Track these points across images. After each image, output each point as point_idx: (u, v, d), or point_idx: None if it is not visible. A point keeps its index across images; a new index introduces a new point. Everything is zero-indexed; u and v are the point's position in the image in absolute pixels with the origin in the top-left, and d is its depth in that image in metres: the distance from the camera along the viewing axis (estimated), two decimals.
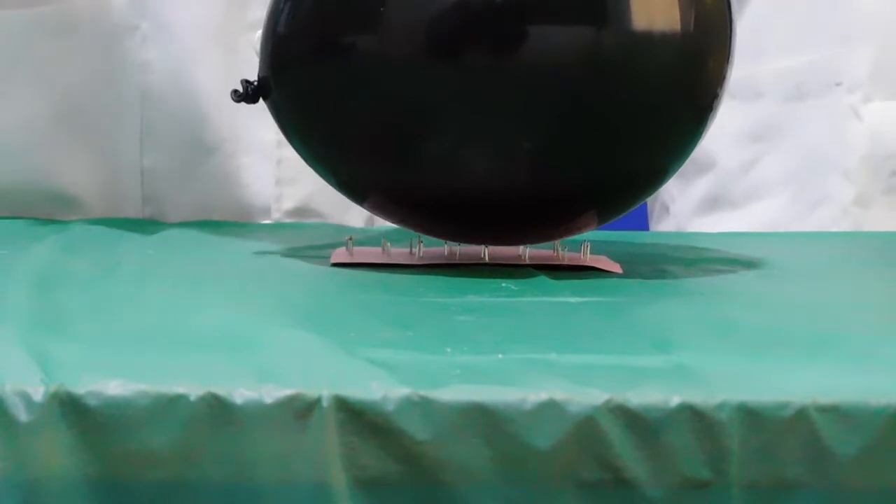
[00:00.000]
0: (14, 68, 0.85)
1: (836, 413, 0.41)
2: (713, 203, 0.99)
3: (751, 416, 0.41)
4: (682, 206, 1.01)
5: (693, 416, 0.41)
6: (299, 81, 0.64)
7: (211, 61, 0.65)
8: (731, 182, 0.98)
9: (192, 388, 0.40)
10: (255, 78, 0.64)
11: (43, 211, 0.84)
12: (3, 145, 0.85)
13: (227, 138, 0.87)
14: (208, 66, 0.64)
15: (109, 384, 0.40)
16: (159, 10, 0.85)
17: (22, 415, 0.40)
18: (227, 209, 0.88)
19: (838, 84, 0.94)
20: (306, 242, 0.75)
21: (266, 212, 0.89)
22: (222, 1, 0.67)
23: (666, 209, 1.03)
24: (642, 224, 1.04)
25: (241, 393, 0.40)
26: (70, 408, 0.40)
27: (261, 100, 0.64)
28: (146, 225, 0.82)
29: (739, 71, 0.64)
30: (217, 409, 0.40)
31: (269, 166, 0.86)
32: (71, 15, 0.85)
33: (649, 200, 0.99)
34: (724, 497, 0.41)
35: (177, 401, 0.40)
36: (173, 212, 0.87)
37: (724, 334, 0.52)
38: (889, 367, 0.46)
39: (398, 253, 0.67)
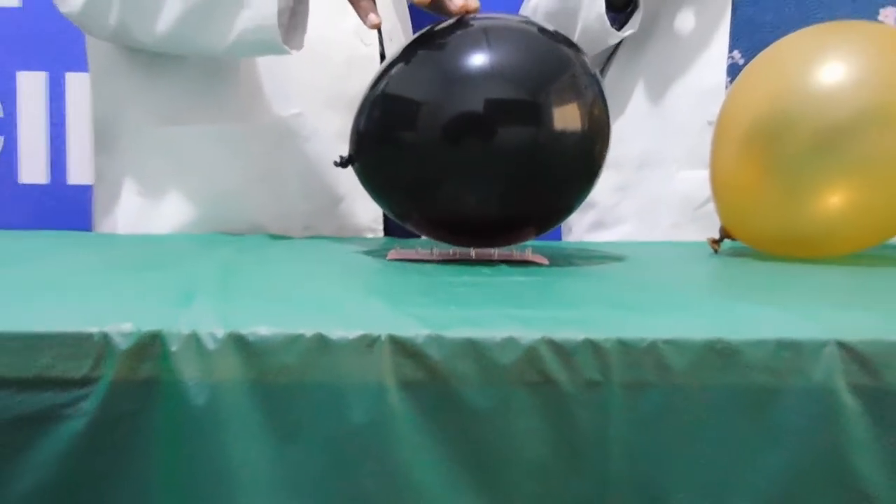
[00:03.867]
0: (234, 155, 0.83)
1: (672, 343, 0.39)
2: (596, 226, 0.98)
3: (624, 345, 0.39)
4: (578, 228, 1.00)
5: (591, 345, 0.39)
6: (370, 156, 0.61)
7: (341, 149, 0.64)
8: (605, 214, 0.97)
9: (307, 330, 0.39)
10: (347, 153, 0.63)
11: (246, 233, 0.83)
12: (227, 198, 0.83)
13: (348, 192, 0.85)
14: (339, 151, 0.63)
15: (260, 328, 0.39)
16: (312, 122, 0.84)
17: (210, 345, 0.38)
18: (352, 231, 0.86)
19: (663, 159, 0.93)
20: (375, 247, 0.73)
21: (373, 231, 0.87)
22: (344, 115, 0.66)
23: (570, 229, 1.03)
24: (556, 237, 1.03)
25: (334, 332, 0.39)
26: (238, 341, 0.38)
27: (350, 167, 0.63)
28: (284, 238, 0.80)
29: (609, 153, 0.62)
30: (321, 342, 0.38)
31: (370, 206, 0.85)
32: (266, 127, 0.83)
33: (562, 224, 0.98)
34: (608, 392, 0.39)
35: (298, 337, 0.38)
36: (321, 233, 0.85)
37: (608, 298, 0.49)
38: (701, 315, 0.43)
39: (424, 252, 0.65)
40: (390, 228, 0.88)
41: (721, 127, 0.71)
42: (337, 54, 0.85)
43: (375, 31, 0.87)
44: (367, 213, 0.87)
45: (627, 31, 0.91)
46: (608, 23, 0.88)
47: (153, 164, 0.84)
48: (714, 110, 0.72)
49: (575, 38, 0.92)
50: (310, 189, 0.85)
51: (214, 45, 0.74)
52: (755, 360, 0.39)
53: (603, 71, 1.00)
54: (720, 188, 0.71)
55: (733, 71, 0.88)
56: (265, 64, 0.83)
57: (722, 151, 0.70)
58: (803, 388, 0.39)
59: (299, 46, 0.74)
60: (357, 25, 0.84)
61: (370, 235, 0.88)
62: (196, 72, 0.82)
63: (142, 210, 0.84)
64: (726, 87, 0.88)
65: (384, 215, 0.88)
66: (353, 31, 0.85)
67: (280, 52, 0.72)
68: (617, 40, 0.92)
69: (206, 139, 0.82)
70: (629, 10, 0.91)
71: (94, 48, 0.88)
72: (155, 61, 0.83)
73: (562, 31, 0.62)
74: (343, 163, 0.62)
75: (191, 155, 0.83)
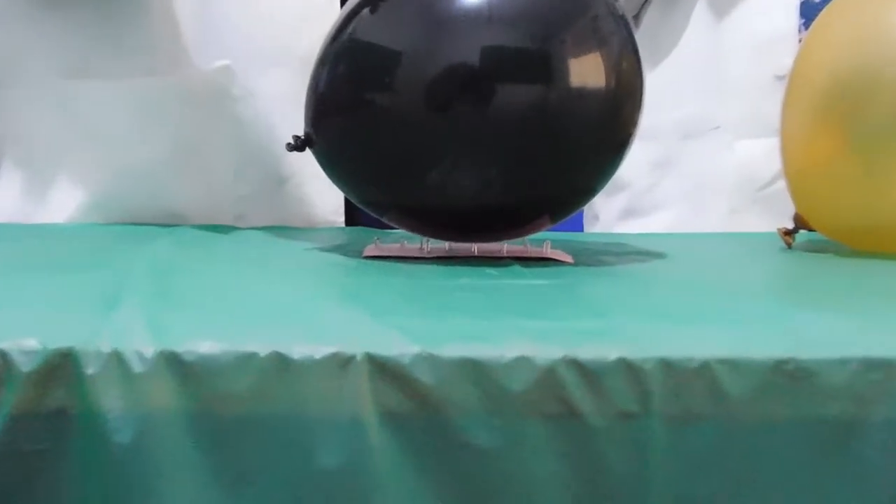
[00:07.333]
0: (147, 120, 0.83)
1: (730, 364, 0.40)
2: (628, 213, 0.98)
3: (667, 366, 0.40)
4: (606, 215, 1.00)
5: (625, 366, 0.39)
6: (334, 131, 0.61)
7: (286, 116, 0.64)
8: (640, 198, 0.97)
9: (262, 347, 0.39)
10: (303, 132, 0.62)
11: (162, 222, 0.83)
12: (137, 176, 0.83)
13: (296, 171, 0.85)
14: (283, 119, 0.63)
15: (202, 344, 0.39)
16: (247, 81, 0.83)
17: (137, 367, 0.38)
18: (302, 223, 0.86)
19: (716, 127, 0.93)
20: (347, 241, 0.74)
21: (331, 224, 0.88)
22: (294, 73, 0.65)
23: (596, 217, 1.02)
24: (578, 228, 1.03)
25: (297, 350, 0.39)
26: (172, 361, 0.39)
27: (308, 150, 0.62)
28: (231, 229, 0.81)
29: (644, 119, 0.62)
30: (280, 362, 0.39)
31: (326, 190, 0.85)
32: (186, 83, 0.83)
33: (584, 210, 0.98)
34: (648, 425, 0.39)
35: (251, 356, 0.39)
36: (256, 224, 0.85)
37: (645, 305, 0.50)
38: (767, 328, 0.44)
39: (412, 248, 0.65)
40: (355, 219, 0.89)
41: (793, 85, 0.71)
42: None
43: None
44: (322, 198, 0.87)
45: None
46: None
47: (42, 127, 0.83)
48: (783, 62, 0.73)
49: None
50: (243, 166, 0.85)
51: None
52: (835, 384, 0.40)
53: (638, 15, 1.00)
54: (793, 164, 0.72)
55: (808, 12, 0.88)
56: (190, 8, 0.83)
57: (794, 117, 0.71)
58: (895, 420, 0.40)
59: None
60: None
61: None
62: (100, 11, 0.82)
63: (27, 189, 0.84)
64: (799, 32, 0.89)
65: (347, 202, 0.88)
66: None
67: None
68: None
69: (109, 97, 0.82)
70: None
71: None
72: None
73: None
74: (299, 145, 0.61)
75: (89, 117, 0.82)
